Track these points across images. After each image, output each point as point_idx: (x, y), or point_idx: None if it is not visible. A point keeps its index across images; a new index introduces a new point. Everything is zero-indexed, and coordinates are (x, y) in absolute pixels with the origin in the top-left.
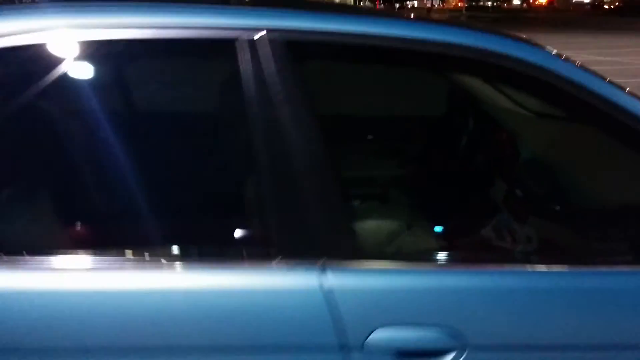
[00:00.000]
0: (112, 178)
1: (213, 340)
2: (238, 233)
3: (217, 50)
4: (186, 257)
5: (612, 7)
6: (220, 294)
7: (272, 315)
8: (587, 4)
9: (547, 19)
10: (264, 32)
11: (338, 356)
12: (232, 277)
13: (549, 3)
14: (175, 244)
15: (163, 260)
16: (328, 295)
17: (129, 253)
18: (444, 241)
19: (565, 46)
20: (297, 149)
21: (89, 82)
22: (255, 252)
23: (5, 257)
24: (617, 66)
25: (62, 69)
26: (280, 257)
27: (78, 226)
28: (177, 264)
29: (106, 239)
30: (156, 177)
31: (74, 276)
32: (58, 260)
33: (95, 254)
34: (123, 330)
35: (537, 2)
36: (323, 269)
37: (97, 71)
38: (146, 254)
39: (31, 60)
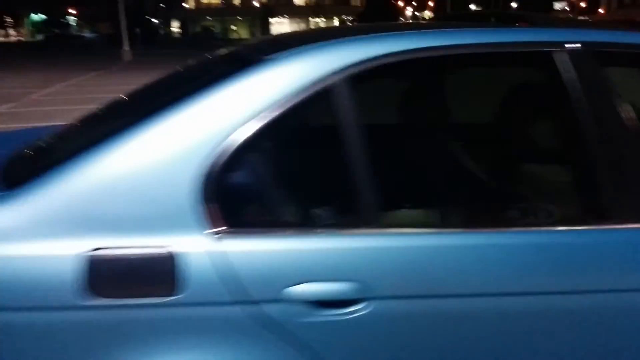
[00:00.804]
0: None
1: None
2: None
3: (540, 61)
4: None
5: None
6: (573, 248)
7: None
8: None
9: None
10: (579, 45)
11: None
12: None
13: None
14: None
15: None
16: None
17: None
18: None
19: None
20: (620, 134)
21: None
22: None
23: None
24: None
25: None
26: (624, 217)
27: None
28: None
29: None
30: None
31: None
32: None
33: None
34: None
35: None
36: None
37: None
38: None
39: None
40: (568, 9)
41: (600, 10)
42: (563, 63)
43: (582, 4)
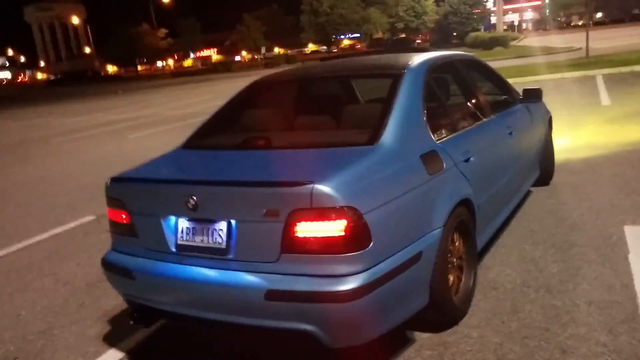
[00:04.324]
0: None
1: None
2: None
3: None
4: None
5: (54, 78)
6: None
7: None
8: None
9: None
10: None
11: None
12: None
13: None
14: None
15: None
16: None
17: None
18: None
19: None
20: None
21: None
22: None
23: None
24: (145, 118)
25: None
26: None
27: None
28: None
29: None
30: None
31: None
32: None
33: None
34: None
35: None
36: None
37: None
38: None
39: None
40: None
41: (42, 63)
42: (459, 64)
43: (22, 58)
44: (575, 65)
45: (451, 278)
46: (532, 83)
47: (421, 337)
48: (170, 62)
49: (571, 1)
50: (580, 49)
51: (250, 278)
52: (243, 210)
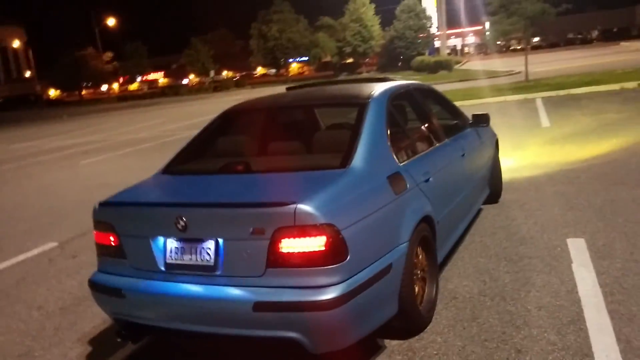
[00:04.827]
0: None
1: None
2: None
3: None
4: None
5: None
6: None
7: None
8: None
9: None
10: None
11: None
12: None
13: None
14: None
15: None
16: None
17: None
18: None
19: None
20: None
21: None
22: None
23: None
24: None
25: None
26: None
27: None
28: None
29: None
30: None
31: None
32: None
33: None
34: None
35: None
36: None
37: None
38: None
39: None
40: None
41: None
42: (415, 93)
43: None
44: (516, 88)
45: (416, 289)
46: (477, 106)
47: (391, 344)
48: (115, 85)
49: (510, 27)
50: (519, 72)
51: (238, 292)
52: (231, 230)
